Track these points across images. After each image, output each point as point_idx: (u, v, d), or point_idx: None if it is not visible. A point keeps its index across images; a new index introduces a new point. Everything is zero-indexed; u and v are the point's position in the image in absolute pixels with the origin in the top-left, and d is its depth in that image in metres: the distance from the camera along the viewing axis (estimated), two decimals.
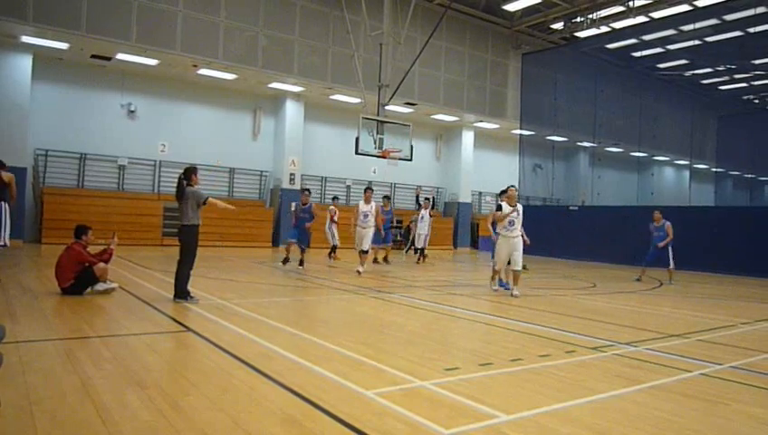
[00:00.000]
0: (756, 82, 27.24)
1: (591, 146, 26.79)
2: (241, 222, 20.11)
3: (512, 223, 9.39)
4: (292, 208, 14.19)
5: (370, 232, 12.59)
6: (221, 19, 17.43)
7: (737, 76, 26.69)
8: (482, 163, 27.02)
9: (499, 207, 9.54)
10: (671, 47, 24.02)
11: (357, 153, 14.99)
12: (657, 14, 21.25)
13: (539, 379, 4.47)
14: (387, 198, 15.90)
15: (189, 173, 7.70)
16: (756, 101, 30.25)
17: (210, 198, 7.59)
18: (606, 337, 6.22)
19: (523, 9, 22.45)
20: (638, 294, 11.00)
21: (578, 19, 22.31)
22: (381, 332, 6.29)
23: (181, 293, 7.44)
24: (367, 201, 12.77)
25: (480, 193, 27.83)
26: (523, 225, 9.72)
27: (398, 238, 23.75)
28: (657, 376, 4.66)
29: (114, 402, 3.49)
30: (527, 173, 24.54)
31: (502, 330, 6.69)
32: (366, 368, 4.57)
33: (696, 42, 22.59)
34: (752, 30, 20.46)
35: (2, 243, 9.29)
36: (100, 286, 7.72)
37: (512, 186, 9.90)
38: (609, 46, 24.00)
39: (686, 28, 21.64)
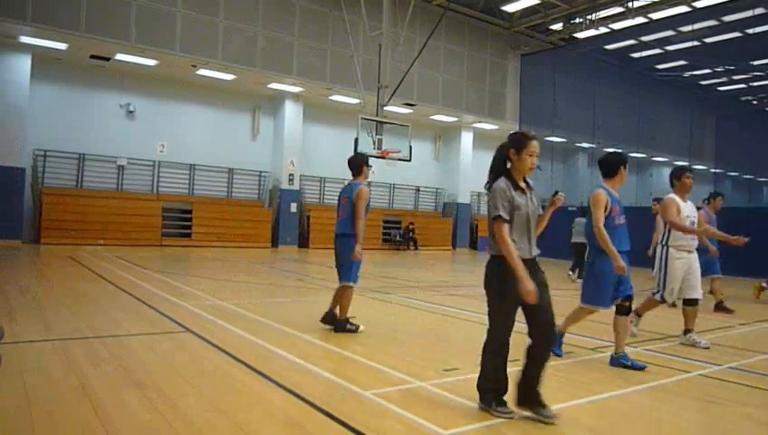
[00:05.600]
0: (755, 83, 27.29)
1: (590, 147, 26.80)
2: (240, 223, 20.11)
3: None
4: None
5: None
6: (220, 19, 17.42)
7: (736, 77, 26.73)
8: (481, 164, 26.92)
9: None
10: (670, 48, 24.05)
11: (356, 154, 14.98)
12: (655, 15, 21.28)
13: None
14: (718, 195, 9.36)
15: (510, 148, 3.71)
16: (755, 102, 30.30)
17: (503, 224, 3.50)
18: (605, 338, 6.21)
19: (522, 10, 22.48)
20: (638, 295, 10.99)
21: (577, 20, 22.33)
22: (380, 332, 6.29)
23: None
24: None
25: (479, 194, 27.84)
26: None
27: (398, 239, 23.79)
28: (656, 377, 4.67)
29: (113, 403, 3.49)
30: None
31: None
32: (365, 368, 4.57)
33: (695, 43, 22.62)
34: (750, 31, 20.49)
35: None
36: None
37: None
38: (608, 47, 24.01)
39: (684, 29, 21.66)
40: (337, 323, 5.95)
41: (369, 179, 6.04)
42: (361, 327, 5.98)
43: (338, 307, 6.02)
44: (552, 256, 16.08)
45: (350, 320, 6.02)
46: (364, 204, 5.76)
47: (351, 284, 5.91)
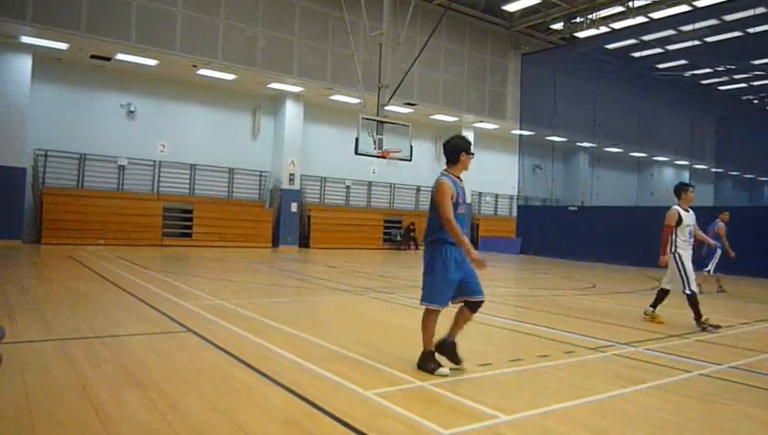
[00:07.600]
0: (756, 83, 27.30)
1: (591, 146, 26.81)
2: (240, 222, 20.11)
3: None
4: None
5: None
6: (220, 19, 17.42)
7: (737, 76, 26.74)
8: (481, 164, 26.97)
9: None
10: (670, 48, 24.07)
11: (356, 153, 14.98)
12: (656, 15, 21.28)
13: (538, 379, 4.47)
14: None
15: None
16: (756, 101, 30.31)
17: None
18: (605, 337, 6.21)
19: (523, 9, 22.49)
20: (638, 295, 10.99)
21: (577, 19, 22.32)
22: (381, 332, 6.28)
23: None
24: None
25: (480, 194, 27.82)
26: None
27: (399, 238, 23.79)
28: (657, 376, 4.66)
29: (113, 403, 3.48)
30: (527, 174, 24.58)
31: (501, 330, 6.69)
32: (365, 368, 4.56)
33: (696, 42, 22.64)
34: (751, 30, 20.52)
35: None
36: None
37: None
38: (609, 47, 24.04)
39: (685, 29, 21.69)
40: (422, 356, 4.56)
41: (466, 170, 4.82)
42: (447, 370, 4.47)
43: (453, 333, 4.74)
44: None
45: (433, 355, 4.58)
46: (445, 199, 4.44)
47: (425, 305, 4.54)
